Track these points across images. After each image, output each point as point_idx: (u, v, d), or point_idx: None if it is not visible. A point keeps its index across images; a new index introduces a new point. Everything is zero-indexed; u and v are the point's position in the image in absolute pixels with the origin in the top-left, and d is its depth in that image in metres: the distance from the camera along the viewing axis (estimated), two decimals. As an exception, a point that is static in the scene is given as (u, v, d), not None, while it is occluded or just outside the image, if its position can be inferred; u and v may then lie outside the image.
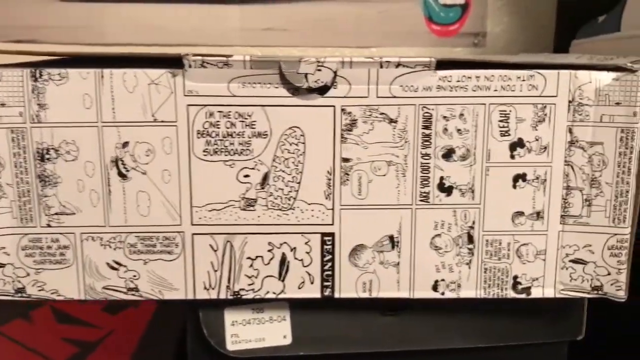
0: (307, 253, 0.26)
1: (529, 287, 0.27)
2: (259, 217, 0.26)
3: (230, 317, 0.28)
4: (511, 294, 0.27)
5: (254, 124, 0.25)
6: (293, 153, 0.25)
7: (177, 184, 0.25)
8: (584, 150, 0.26)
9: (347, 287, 0.27)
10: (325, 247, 0.26)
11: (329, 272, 0.26)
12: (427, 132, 0.25)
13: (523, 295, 0.27)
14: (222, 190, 0.25)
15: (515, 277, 0.27)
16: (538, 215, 0.26)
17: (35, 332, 0.44)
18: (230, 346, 0.28)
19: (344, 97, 0.25)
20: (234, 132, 0.25)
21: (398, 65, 0.25)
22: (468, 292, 0.27)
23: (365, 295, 0.27)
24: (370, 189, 0.26)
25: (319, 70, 0.24)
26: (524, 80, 0.25)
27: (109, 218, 0.26)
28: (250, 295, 0.27)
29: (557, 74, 0.25)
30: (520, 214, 0.26)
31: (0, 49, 0.27)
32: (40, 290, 0.26)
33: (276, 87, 0.25)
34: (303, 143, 0.25)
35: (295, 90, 0.25)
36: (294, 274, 0.26)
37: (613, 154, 0.25)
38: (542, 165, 0.26)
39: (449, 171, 0.26)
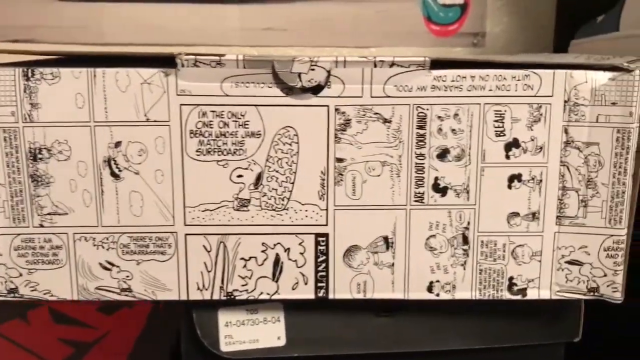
0: (301, 254, 0.26)
1: (525, 289, 0.27)
2: (252, 217, 0.26)
3: (224, 318, 0.28)
4: (507, 295, 0.27)
5: (247, 124, 0.25)
6: (287, 153, 0.25)
7: (170, 184, 0.25)
8: (580, 150, 0.25)
9: (341, 288, 0.26)
10: (319, 247, 0.26)
11: (323, 273, 0.26)
12: (421, 132, 0.25)
13: (519, 297, 0.27)
14: (215, 191, 0.25)
15: (510, 279, 0.27)
16: (534, 216, 0.26)
17: (32, 333, 0.44)
18: (224, 347, 0.28)
19: (338, 96, 0.25)
20: (227, 131, 0.25)
21: (392, 64, 0.24)
22: (463, 293, 0.27)
23: (360, 296, 0.27)
24: (364, 189, 0.26)
25: (313, 69, 0.24)
26: (519, 80, 0.25)
27: (102, 218, 0.25)
28: (244, 296, 0.26)
29: (553, 74, 0.25)
30: (516, 214, 0.26)
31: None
32: (33, 290, 0.26)
33: (269, 87, 0.25)
34: (297, 143, 0.25)
35: (288, 90, 0.25)
36: (287, 275, 0.26)
37: (609, 155, 0.25)
38: (537, 166, 0.26)
39: (444, 171, 0.25)
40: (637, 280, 0.28)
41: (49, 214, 0.25)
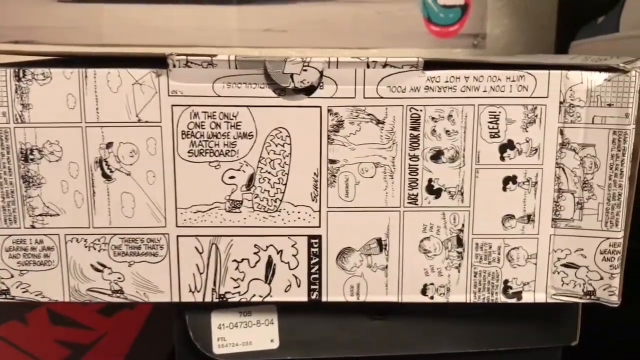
0: (294, 256, 0.26)
1: (520, 292, 0.26)
2: (244, 219, 0.25)
3: (217, 320, 0.27)
4: (502, 298, 0.26)
5: (239, 125, 0.25)
6: (279, 154, 0.25)
7: (162, 185, 0.25)
8: (576, 152, 0.25)
9: (335, 291, 0.26)
10: (312, 249, 0.26)
11: (316, 276, 0.26)
12: (415, 133, 0.25)
13: (514, 300, 0.26)
14: (207, 192, 0.25)
15: (505, 282, 0.26)
16: (529, 218, 0.26)
17: (29, 334, 0.44)
18: (217, 350, 0.27)
19: (331, 97, 0.25)
20: (219, 132, 0.25)
21: (385, 65, 0.24)
22: (457, 296, 0.26)
23: (353, 299, 0.26)
24: (357, 190, 0.25)
25: (305, 70, 0.24)
26: (513, 81, 0.25)
27: (93, 219, 0.25)
28: (237, 299, 0.26)
29: (548, 75, 0.24)
30: (511, 217, 0.26)
31: (5, 50, 0.27)
32: (24, 292, 0.26)
33: (262, 88, 0.24)
34: (289, 144, 0.25)
35: (281, 91, 0.24)
36: (280, 277, 0.26)
37: (605, 156, 0.25)
38: (532, 168, 0.25)
39: (438, 173, 0.25)
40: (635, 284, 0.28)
41: (40, 215, 0.25)
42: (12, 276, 0.26)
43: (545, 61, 0.26)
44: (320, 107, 0.25)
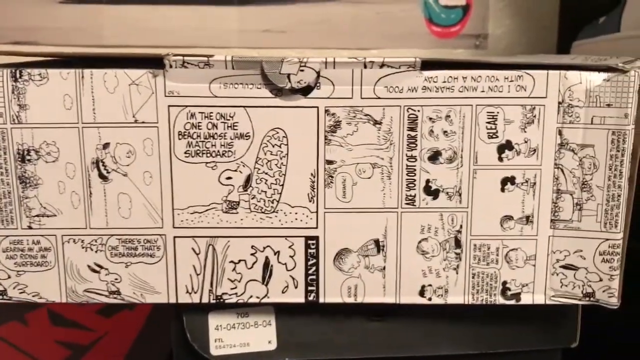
0: (291, 257, 0.26)
1: (519, 293, 0.26)
2: (241, 220, 0.25)
3: (214, 321, 0.27)
4: (500, 300, 0.26)
5: (236, 125, 0.25)
6: (276, 155, 0.25)
7: (159, 186, 0.25)
8: (575, 152, 0.25)
9: (332, 292, 0.26)
10: (309, 250, 0.26)
11: (313, 277, 0.26)
12: (412, 134, 0.25)
13: (512, 302, 0.26)
14: (204, 193, 0.25)
15: (504, 283, 0.26)
16: (527, 219, 0.25)
17: (29, 335, 0.44)
18: (214, 351, 0.27)
19: (328, 97, 0.24)
20: (216, 133, 0.25)
21: (382, 65, 0.24)
22: (456, 297, 0.26)
23: (351, 300, 0.26)
24: (355, 191, 0.25)
25: (302, 70, 0.24)
26: (511, 81, 0.24)
27: (90, 220, 0.25)
28: (234, 300, 0.26)
29: (546, 75, 0.24)
30: (509, 218, 0.26)
31: (1, 50, 0.27)
32: (21, 292, 0.26)
33: (258, 88, 0.24)
34: (286, 145, 0.25)
35: (277, 91, 0.24)
36: (277, 278, 0.26)
37: (604, 157, 0.25)
38: (531, 168, 0.25)
39: (436, 174, 0.25)
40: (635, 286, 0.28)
41: (37, 215, 0.25)
42: (9, 277, 0.26)
43: (545, 61, 0.25)
44: (317, 107, 0.24)
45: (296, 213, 0.25)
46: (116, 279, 0.26)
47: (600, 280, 0.26)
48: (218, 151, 0.25)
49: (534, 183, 0.25)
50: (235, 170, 0.25)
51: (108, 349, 0.43)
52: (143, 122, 0.24)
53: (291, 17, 0.51)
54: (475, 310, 0.27)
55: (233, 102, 0.24)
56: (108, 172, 0.25)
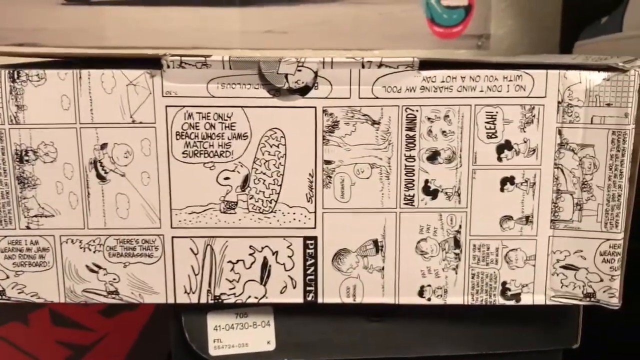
0: (289, 257, 0.26)
1: (519, 294, 0.26)
2: (239, 220, 0.25)
3: (213, 321, 0.27)
4: (500, 300, 0.26)
5: (233, 126, 0.25)
6: (274, 155, 0.25)
7: (157, 187, 0.25)
8: (574, 152, 0.25)
9: (331, 292, 0.26)
10: (308, 251, 0.26)
11: (312, 277, 0.26)
12: (411, 134, 0.25)
13: (512, 302, 0.26)
14: (202, 193, 0.25)
15: (504, 283, 0.26)
16: (527, 219, 0.25)
17: (30, 335, 0.44)
18: (213, 351, 0.27)
19: (326, 97, 0.24)
20: (214, 133, 0.25)
21: (380, 65, 0.24)
22: (455, 298, 0.26)
23: (349, 300, 0.26)
24: (353, 192, 0.25)
25: (300, 70, 0.24)
26: (510, 81, 0.24)
27: (88, 220, 0.25)
28: (232, 300, 0.26)
29: (546, 74, 0.24)
30: (509, 218, 0.25)
31: (2, 51, 0.27)
32: (20, 293, 0.26)
33: (256, 88, 0.24)
34: (284, 145, 0.25)
35: (275, 91, 0.24)
36: (276, 279, 0.26)
37: (604, 157, 0.24)
38: (530, 168, 0.25)
39: (434, 174, 0.25)
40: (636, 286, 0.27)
41: (35, 216, 0.25)
42: (7, 277, 0.26)
43: (545, 61, 0.25)
44: (315, 107, 0.24)
45: (294, 213, 0.25)
46: (114, 279, 0.26)
47: (601, 280, 0.25)
48: (216, 151, 0.25)
49: (534, 183, 0.25)
50: (233, 171, 0.25)
51: (109, 349, 0.43)
52: (141, 123, 0.24)
53: (293, 18, 0.51)
54: (474, 311, 0.27)
55: (231, 102, 0.24)
56: (106, 173, 0.25)
